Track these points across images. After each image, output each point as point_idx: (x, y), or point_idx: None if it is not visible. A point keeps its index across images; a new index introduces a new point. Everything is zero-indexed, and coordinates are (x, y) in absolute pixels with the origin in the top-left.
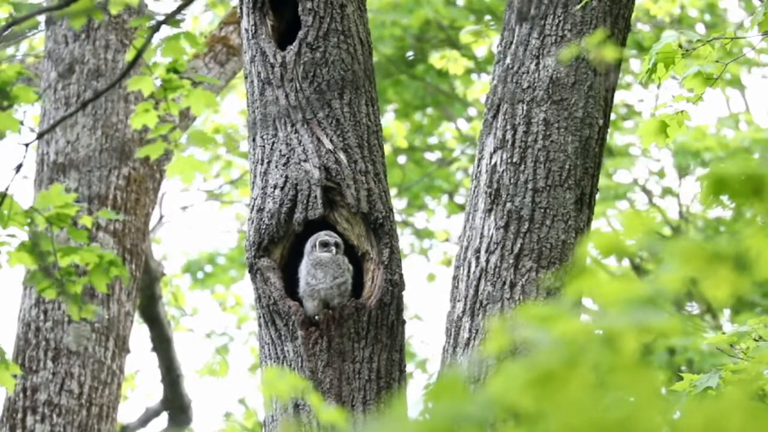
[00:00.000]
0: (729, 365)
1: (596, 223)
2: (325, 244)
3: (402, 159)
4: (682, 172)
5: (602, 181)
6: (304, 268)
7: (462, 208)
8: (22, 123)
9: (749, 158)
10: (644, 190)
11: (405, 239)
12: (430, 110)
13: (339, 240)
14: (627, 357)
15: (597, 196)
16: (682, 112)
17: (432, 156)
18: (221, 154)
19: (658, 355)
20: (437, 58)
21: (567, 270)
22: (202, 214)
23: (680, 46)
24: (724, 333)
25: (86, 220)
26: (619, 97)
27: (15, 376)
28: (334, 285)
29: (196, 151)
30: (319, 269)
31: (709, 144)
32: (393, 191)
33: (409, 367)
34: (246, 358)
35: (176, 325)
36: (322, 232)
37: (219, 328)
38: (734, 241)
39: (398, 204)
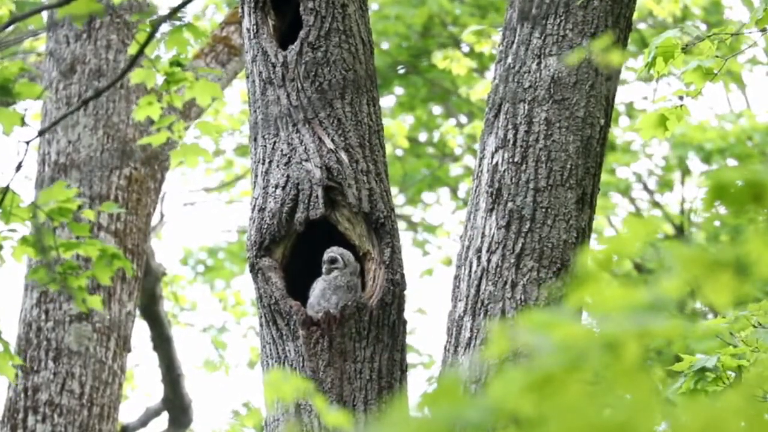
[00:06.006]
0: (728, 349)
1: (597, 220)
2: (333, 261)
3: (400, 152)
4: (683, 166)
5: (603, 176)
6: (319, 287)
7: (464, 203)
8: (23, 119)
9: (749, 152)
10: (645, 188)
11: (409, 236)
12: (436, 109)
13: (348, 256)
14: (627, 362)
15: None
16: (681, 106)
17: (433, 151)
18: (223, 149)
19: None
20: (440, 59)
21: (570, 274)
22: (203, 212)
23: (683, 44)
24: (724, 316)
25: (88, 214)
26: (620, 94)
27: (17, 369)
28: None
29: (200, 141)
30: (335, 295)
31: (710, 136)
32: (394, 190)
33: (414, 358)
34: (244, 354)
35: (175, 321)
36: (330, 250)
37: (218, 323)
38: (735, 246)
39: (400, 200)
